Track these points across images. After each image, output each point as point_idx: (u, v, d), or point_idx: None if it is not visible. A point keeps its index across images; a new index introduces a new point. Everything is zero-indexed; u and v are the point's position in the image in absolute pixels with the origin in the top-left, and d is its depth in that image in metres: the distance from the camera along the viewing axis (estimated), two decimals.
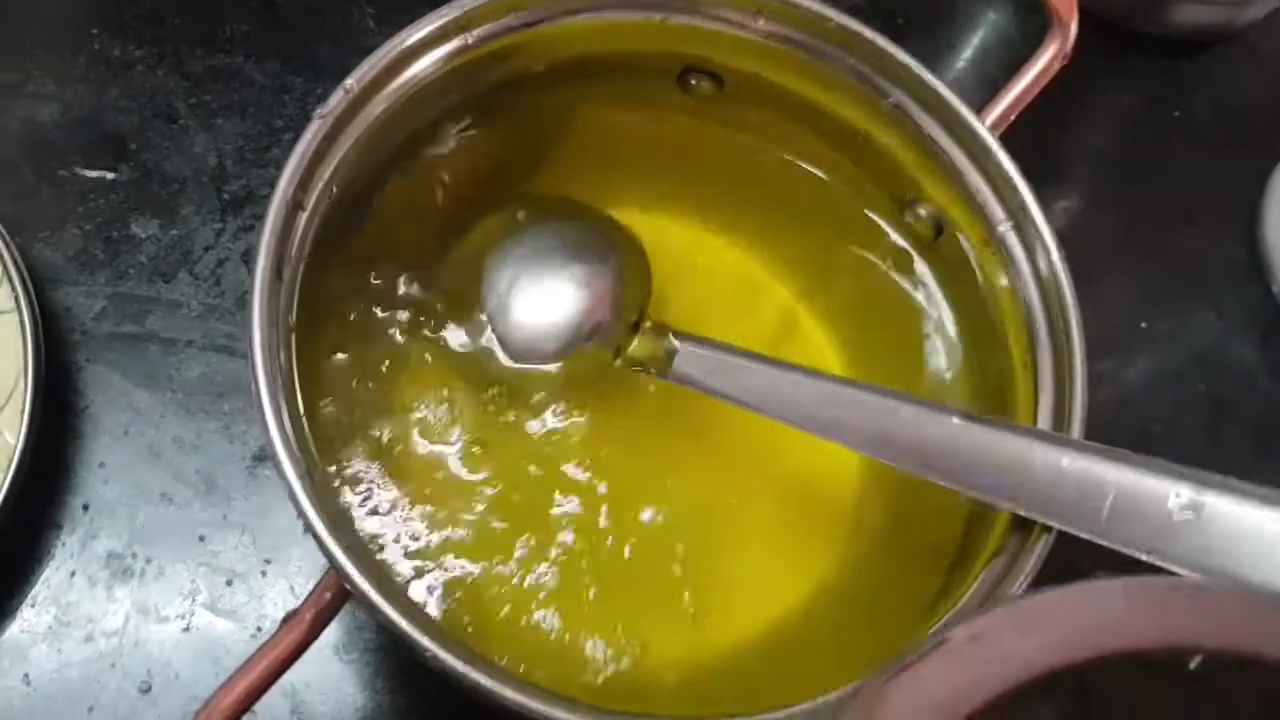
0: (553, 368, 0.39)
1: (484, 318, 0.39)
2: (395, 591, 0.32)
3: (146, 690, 0.41)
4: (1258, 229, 0.53)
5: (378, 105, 0.36)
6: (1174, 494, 0.29)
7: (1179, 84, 0.56)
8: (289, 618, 0.32)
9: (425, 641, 0.30)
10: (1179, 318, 0.52)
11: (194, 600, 0.42)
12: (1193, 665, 0.20)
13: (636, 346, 0.40)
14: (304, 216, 0.35)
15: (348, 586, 0.31)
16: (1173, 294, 0.52)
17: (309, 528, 0.31)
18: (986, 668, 0.19)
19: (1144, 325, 0.51)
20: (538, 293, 0.39)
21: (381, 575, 0.32)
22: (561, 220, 0.41)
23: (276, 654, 0.31)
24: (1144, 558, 0.30)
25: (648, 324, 0.40)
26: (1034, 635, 0.20)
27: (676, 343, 0.39)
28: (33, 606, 0.42)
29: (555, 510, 0.39)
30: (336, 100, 0.35)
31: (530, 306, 0.39)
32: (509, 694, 0.30)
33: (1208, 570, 0.29)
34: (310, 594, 0.32)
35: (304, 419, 0.34)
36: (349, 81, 0.35)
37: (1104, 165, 0.55)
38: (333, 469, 0.37)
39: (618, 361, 0.40)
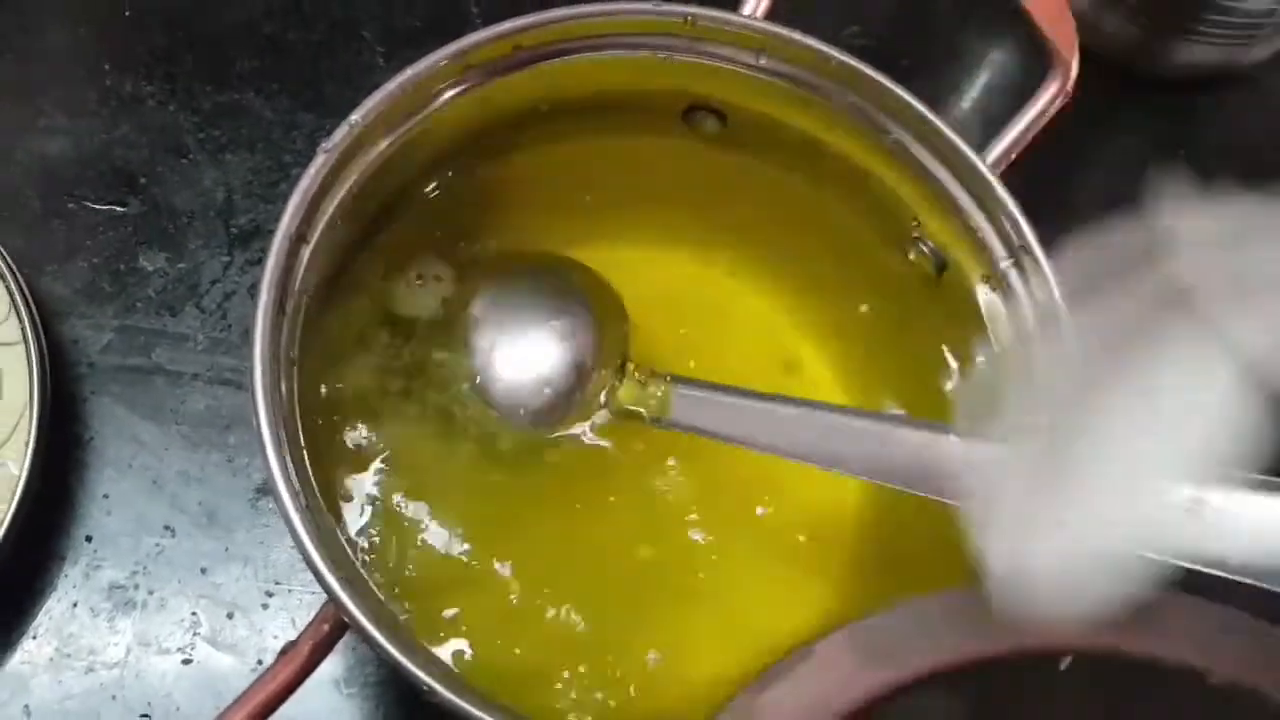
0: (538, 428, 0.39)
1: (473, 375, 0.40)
2: (393, 625, 0.32)
3: None
4: None
5: (383, 140, 0.37)
6: (1181, 492, 0.29)
7: (1183, 123, 0.56)
8: (286, 650, 0.32)
9: (423, 676, 0.30)
10: None
11: (195, 633, 0.42)
12: (1063, 666, 0.20)
13: (624, 394, 0.40)
14: (308, 250, 0.35)
15: (345, 619, 0.31)
16: None
17: (306, 560, 0.31)
18: (849, 677, 0.20)
19: None
20: (517, 352, 0.39)
21: (380, 609, 0.32)
22: (535, 275, 0.41)
23: (273, 687, 0.31)
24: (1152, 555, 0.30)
25: (634, 370, 0.40)
26: (888, 643, 0.20)
27: (666, 388, 0.39)
28: (34, 638, 0.42)
29: (556, 547, 0.39)
30: (341, 135, 0.36)
31: (511, 366, 0.39)
32: None
33: (1209, 559, 0.29)
34: (308, 626, 0.32)
35: (305, 451, 0.34)
36: (354, 117, 0.36)
37: (1108, 206, 0.55)
38: (333, 502, 0.37)
39: (605, 412, 0.40)
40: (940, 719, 0.21)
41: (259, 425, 0.32)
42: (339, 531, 0.34)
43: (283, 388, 0.33)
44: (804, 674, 0.20)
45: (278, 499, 0.31)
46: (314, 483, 0.33)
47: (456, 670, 0.35)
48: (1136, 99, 0.56)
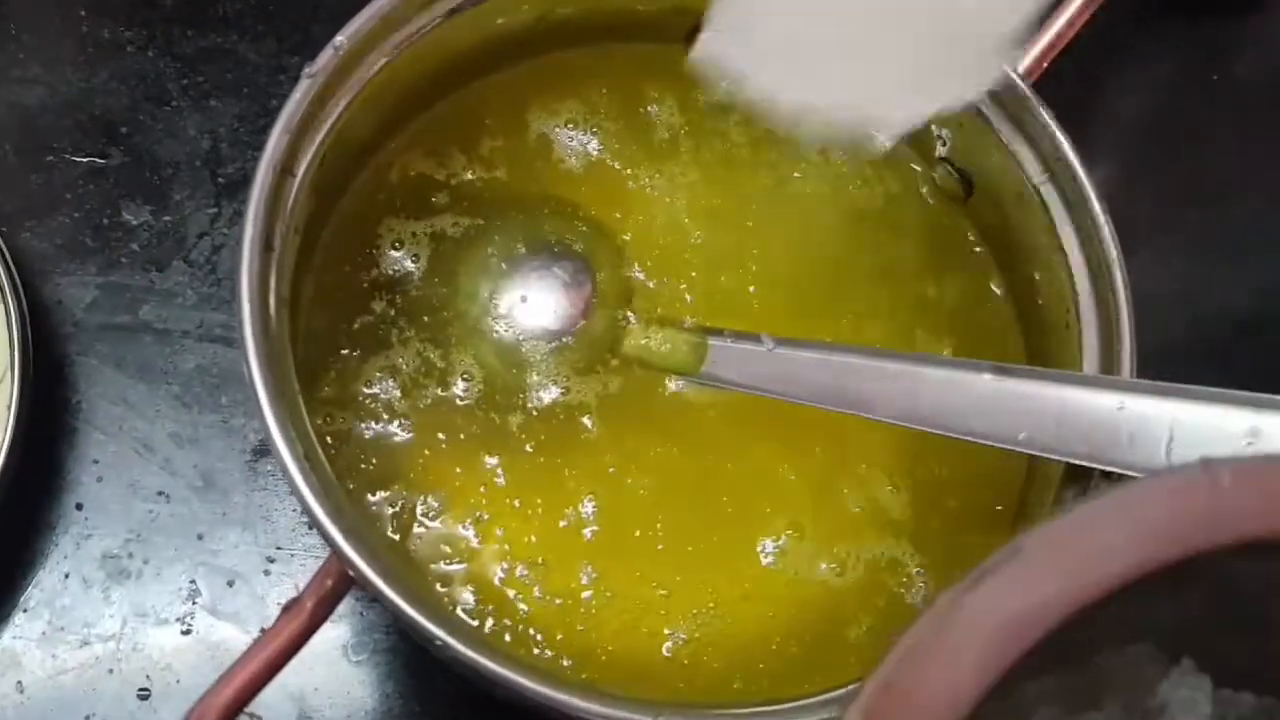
0: (551, 346, 0.37)
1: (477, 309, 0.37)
2: (399, 576, 0.29)
3: (145, 696, 0.39)
4: None
5: (371, 64, 0.35)
6: (1238, 422, 0.27)
7: (1215, 48, 0.54)
8: (289, 607, 0.30)
9: (432, 628, 0.28)
10: (1222, 288, 0.50)
11: (194, 602, 0.40)
12: None
13: (629, 344, 0.37)
14: (295, 184, 0.33)
15: (349, 572, 0.29)
16: (1215, 264, 0.50)
17: (306, 509, 0.29)
18: (1071, 573, 0.17)
19: (1186, 298, 0.49)
20: (524, 292, 0.37)
21: (386, 560, 0.30)
22: (534, 217, 0.39)
23: (276, 645, 0.29)
24: None
25: (638, 318, 0.38)
26: (1124, 532, 0.18)
27: (678, 336, 0.37)
28: (25, 611, 0.40)
29: (557, 496, 0.37)
30: (326, 59, 0.33)
31: (522, 305, 0.37)
32: (521, 681, 0.28)
33: None
34: (311, 581, 0.30)
35: (300, 399, 0.32)
36: (338, 39, 0.33)
37: (1140, 133, 0.53)
38: (333, 451, 0.34)
39: (614, 360, 0.38)
40: (1168, 620, 0.19)
41: (250, 371, 0.30)
42: (339, 481, 0.32)
43: (274, 328, 0.31)
44: (1012, 573, 0.18)
45: (274, 448, 0.29)
46: (311, 432, 0.31)
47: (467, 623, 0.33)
48: (1167, 24, 0.53)
